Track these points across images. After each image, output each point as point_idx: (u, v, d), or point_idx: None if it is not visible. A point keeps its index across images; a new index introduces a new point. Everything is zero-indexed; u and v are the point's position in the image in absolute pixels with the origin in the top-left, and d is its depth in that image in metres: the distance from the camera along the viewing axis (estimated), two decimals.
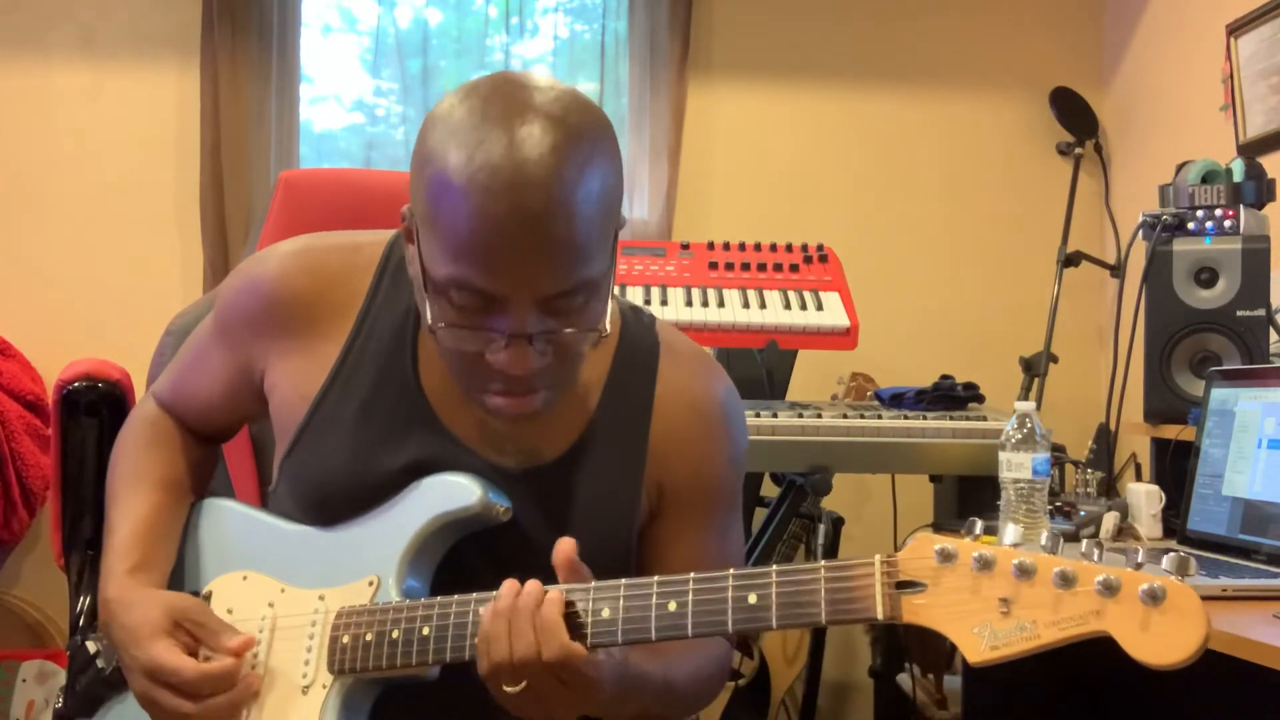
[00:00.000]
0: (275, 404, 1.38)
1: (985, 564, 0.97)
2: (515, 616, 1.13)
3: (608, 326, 1.21)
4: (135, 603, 1.29)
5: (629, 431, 1.35)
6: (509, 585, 1.16)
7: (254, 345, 1.38)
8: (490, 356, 1.17)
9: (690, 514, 1.38)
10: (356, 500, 1.31)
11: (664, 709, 1.29)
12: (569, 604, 1.14)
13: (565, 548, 1.16)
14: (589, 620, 1.13)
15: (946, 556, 0.99)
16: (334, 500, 1.32)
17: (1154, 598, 0.91)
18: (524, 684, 1.13)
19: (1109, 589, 0.92)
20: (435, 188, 1.13)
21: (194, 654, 1.27)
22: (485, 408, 1.23)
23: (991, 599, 0.97)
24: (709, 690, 1.40)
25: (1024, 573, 0.96)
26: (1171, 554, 0.94)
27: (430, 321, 1.18)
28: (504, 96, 1.15)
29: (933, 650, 3.22)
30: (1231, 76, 3.18)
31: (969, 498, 2.46)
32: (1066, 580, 0.94)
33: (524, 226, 1.10)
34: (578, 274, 1.15)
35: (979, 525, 1.02)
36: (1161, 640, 0.91)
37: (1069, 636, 0.94)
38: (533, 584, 1.15)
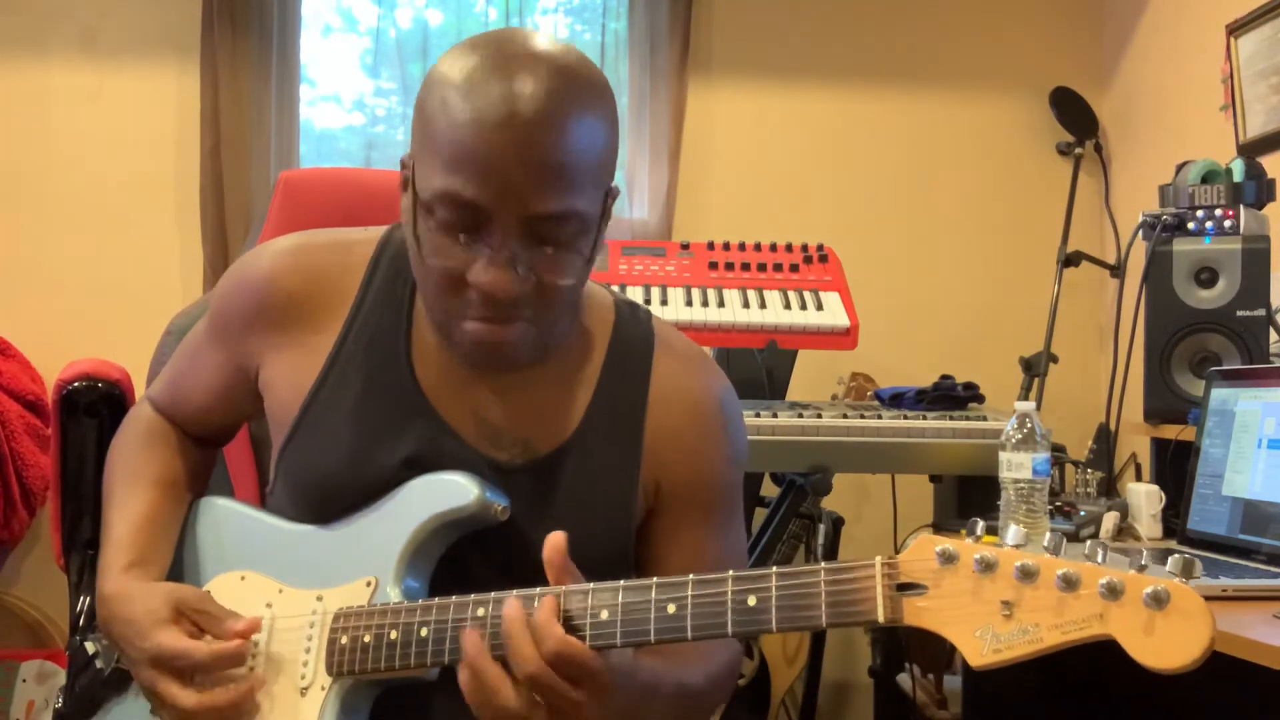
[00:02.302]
0: (270, 401, 1.38)
1: (987, 566, 0.97)
2: (506, 638, 1.12)
3: (591, 259, 1.23)
4: (135, 596, 1.29)
5: (624, 426, 1.35)
6: (471, 640, 1.14)
7: (248, 343, 1.38)
8: (472, 277, 1.18)
9: (689, 514, 1.37)
10: (353, 494, 1.31)
11: (682, 714, 1.29)
12: (565, 610, 1.13)
13: (557, 542, 1.14)
14: (587, 621, 1.13)
15: (948, 558, 0.99)
16: (331, 495, 1.32)
17: (1158, 601, 0.90)
18: (544, 711, 1.11)
19: (1112, 592, 0.91)
20: (433, 110, 1.18)
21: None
22: (462, 339, 1.23)
23: (993, 601, 0.96)
24: (722, 695, 1.40)
25: (1026, 575, 0.95)
26: (1176, 556, 0.93)
27: (414, 235, 1.20)
28: (506, 38, 1.20)
29: (933, 650, 3.22)
30: (1231, 76, 3.18)
31: (969, 498, 2.46)
32: (1069, 583, 0.93)
33: (514, 137, 1.13)
34: (565, 200, 1.16)
35: (980, 526, 1.01)
36: (1166, 644, 0.90)
37: (1072, 640, 0.93)
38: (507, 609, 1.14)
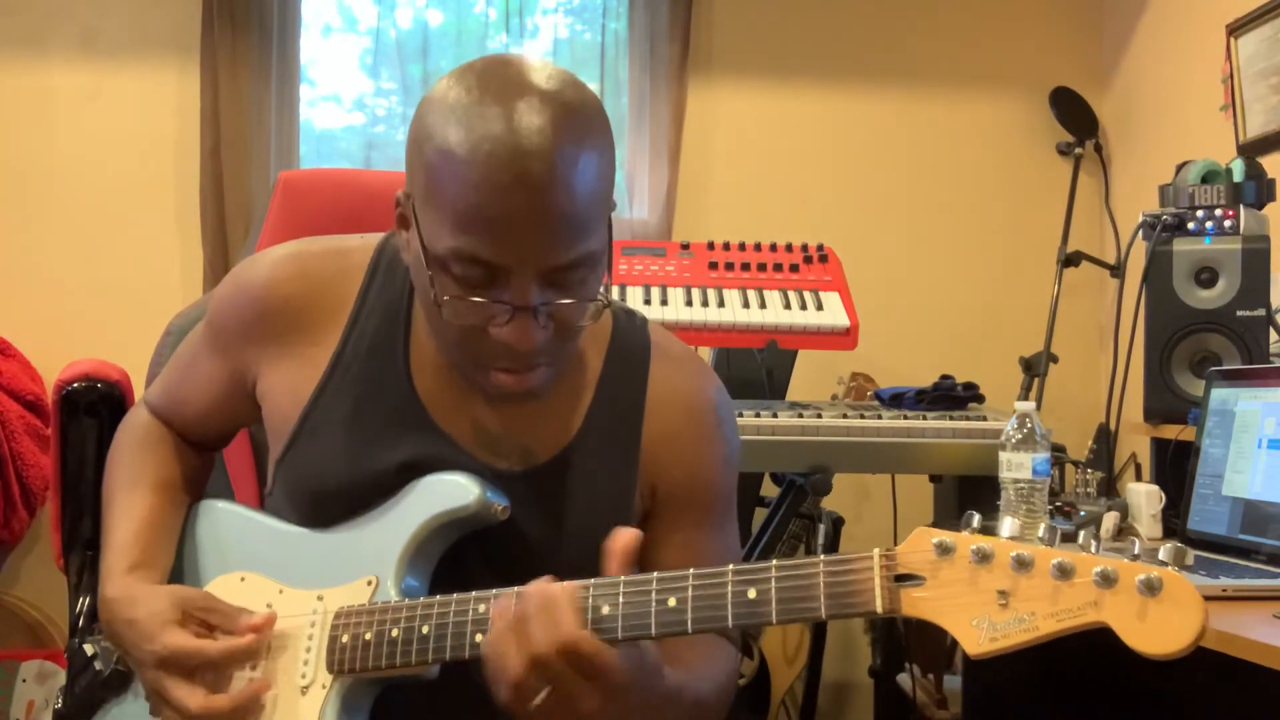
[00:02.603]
0: (268, 409, 1.38)
1: (983, 556, 0.97)
2: (519, 621, 1.11)
3: (603, 298, 1.23)
4: (138, 598, 1.29)
5: (622, 432, 1.35)
6: (501, 608, 1.14)
7: (246, 351, 1.39)
8: (494, 331, 1.18)
9: (685, 515, 1.38)
10: (351, 502, 1.31)
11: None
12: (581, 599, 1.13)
13: (626, 539, 1.15)
14: (588, 616, 1.13)
15: (945, 549, 0.99)
16: (329, 502, 1.32)
17: (1151, 588, 0.90)
18: (546, 690, 1.11)
19: (1106, 580, 0.92)
20: (436, 163, 1.15)
21: None
22: (486, 386, 1.24)
23: (990, 591, 0.97)
24: (725, 707, 1.40)
25: (1022, 565, 0.96)
26: (1168, 545, 0.94)
27: (432, 297, 1.18)
28: (499, 75, 1.17)
29: (932, 650, 3.22)
30: (1231, 76, 3.19)
31: (969, 498, 2.46)
32: (1064, 572, 0.94)
33: (528, 197, 1.12)
34: (579, 247, 1.16)
35: (976, 518, 1.01)
36: (1159, 630, 0.90)
37: (1067, 628, 0.94)
38: (534, 586, 1.14)
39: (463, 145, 1.13)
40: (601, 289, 1.24)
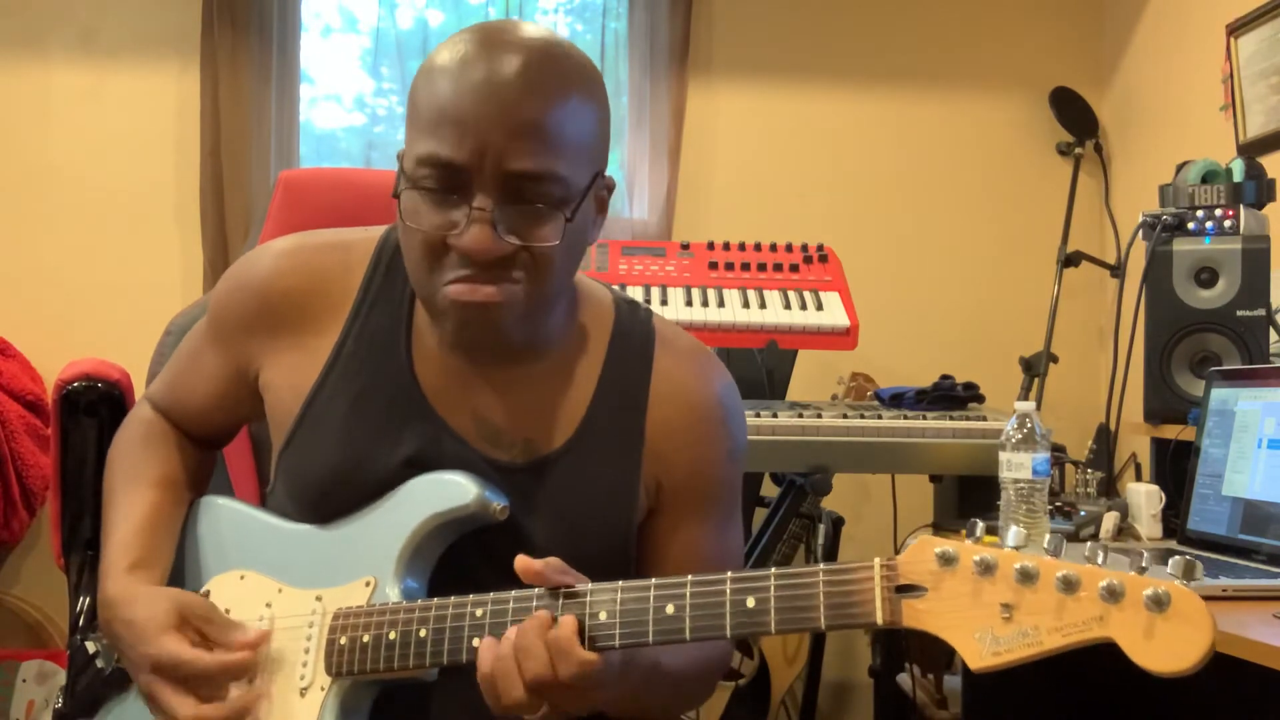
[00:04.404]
0: (270, 401, 1.38)
1: (987, 568, 0.96)
2: (521, 641, 1.12)
3: (575, 222, 1.22)
4: (138, 599, 1.29)
5: (625, 424, 1.35)
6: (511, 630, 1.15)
7: (248, 344, 1.39)
8: (452, 240, 1.18)
9: (689, 510, 1.37)
10: (353, 494, 1.31)
11: (661, 692, 1.29)
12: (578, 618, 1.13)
13: (524, 565, 1.15)
14: (585, 624, 1.13)
15: (947, 560, 0.98)
16: (330, 495, 1.32)
17: (1159, 603, 0.89)
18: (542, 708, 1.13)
19: (1113, 594, 0.91)
20: (420, 83, 1.21)
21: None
22: (446, 306, 1.22)
23: (993, 604, 0.96)
24: (709, 681, 1.40)
25: (1026, 577, 0.94)
26: (1176, 558, 0.92)
27: (400, 202, 1.21)
28: (496, 24, 1.25)
29: (933, 650, 3.22)
30: (1231, 76, 3.18)
31: (969, 498, 2.46)
32: (1069, 585, 0.93)
33: (492, 95, 1.15)
34: (542, 159, 1.17)
35: (980, 527, 1.00)
36: (1166, 647, 0.89)
37: (1072, 643, 0.92)
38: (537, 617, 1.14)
39: (445, 66, 1.18)
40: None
